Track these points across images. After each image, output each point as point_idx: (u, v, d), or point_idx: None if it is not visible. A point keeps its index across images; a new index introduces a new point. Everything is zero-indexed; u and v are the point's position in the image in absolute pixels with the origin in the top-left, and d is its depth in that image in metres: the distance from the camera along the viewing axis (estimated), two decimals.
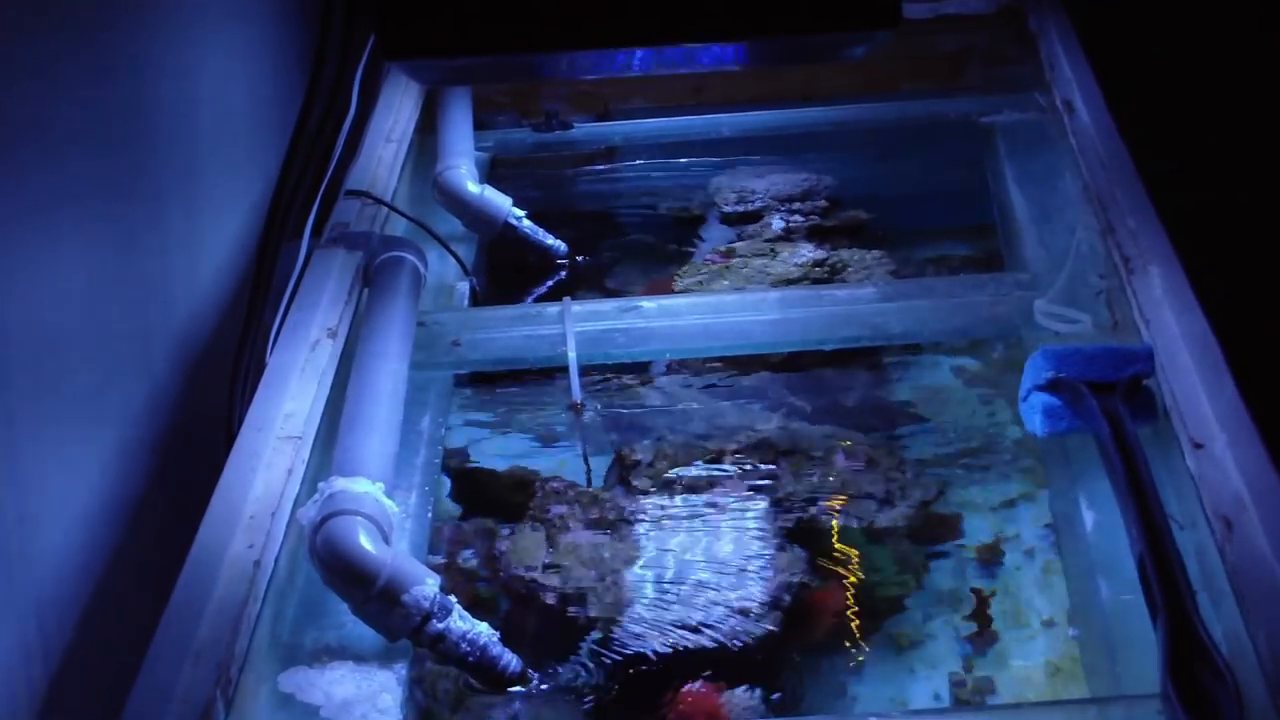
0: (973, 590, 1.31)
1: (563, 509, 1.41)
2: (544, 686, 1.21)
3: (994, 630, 1.26)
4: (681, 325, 1.58)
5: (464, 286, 1.75)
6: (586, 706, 1.21)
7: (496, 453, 1.54)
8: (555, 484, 1.46)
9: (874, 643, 1.27)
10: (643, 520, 1.40)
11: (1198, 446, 1.18)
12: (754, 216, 1.94)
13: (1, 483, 1.11)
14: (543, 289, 1.85)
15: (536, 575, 1.33)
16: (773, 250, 1.85)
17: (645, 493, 1.44)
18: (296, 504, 1.24)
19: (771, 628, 1.27)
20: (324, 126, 1.53)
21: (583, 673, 1.23)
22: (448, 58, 1.24)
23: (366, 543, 1.16)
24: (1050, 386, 1.30)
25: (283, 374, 1.37)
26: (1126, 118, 1.69)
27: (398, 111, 1.93)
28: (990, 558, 1.34)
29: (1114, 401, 1.26)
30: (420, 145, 1.96)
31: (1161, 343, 1.31)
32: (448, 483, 1.48)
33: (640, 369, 1.64)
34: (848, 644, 1.27)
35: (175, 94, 1.51)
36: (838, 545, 1.36)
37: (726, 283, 1.79)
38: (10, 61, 1.15)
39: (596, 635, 1.27)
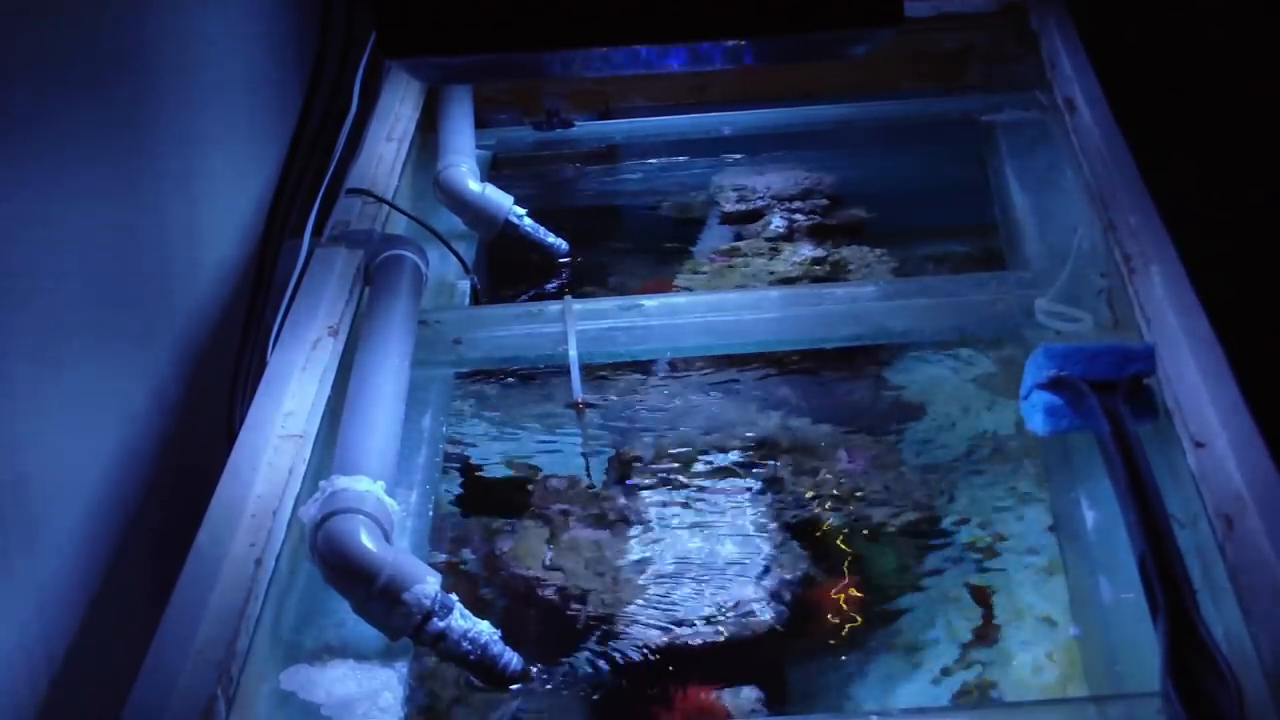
0: (973, 589, 1.31)
1: (563, 507, 1.41)
2: (545, 685, 1.21)
3: (994, 628, 1.26)
4: (682, 324, 1.58)
5: (465, 285, 1.75)
6: (587, 705, 1.21)
7: (497, 451, 1.54)
8: (556, 482, 1.46)
9: (874, 641, 1.27)
10: (643, 518, 1.40)
11: (1199, 445, 1.18)
12: (755, 215, 1.94)
13: (2, 481, 1.11)
14: (544, 288, 1.85)
15: (537, 573, 1.33)
16: (774, 249, 1.85)
17: (646, 490, 1.44)
18: (298, 502, 1.24)
19: (771, 626, 1.27)
20: (325, 125, 1.53)
21: (583, 671, 1.23)
22: (448, 56, 1.24)
23: (368, 541, 1.16)
24: (1051, 385, 1.30)
25: (284, 372, 1.37)
26: (1128, 116, 1.69)
27: (398, 110, 1.93)
28: (991, 556, 1.34)
29: (1115, 400, 1.26)
30: (421, 143, 1.96)
31: (1163, 341, 1.31)
32: (449, 481, 1.48)
33: (641, 367, 1.64)
34: (847, 642, 1.27)
35: (176, 92, 1.51)
36: (838, 544, 1.36)
37: (727, 281, 1.79)
38: (10, 57, 1.15)
39: (597, 633, 1.27)
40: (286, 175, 1.49)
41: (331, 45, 1.46)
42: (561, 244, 1.89)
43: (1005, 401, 1.50)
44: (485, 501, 1.46)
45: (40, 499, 1.16)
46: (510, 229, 1.86)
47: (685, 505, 1.42)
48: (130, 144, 1.39)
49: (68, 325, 1.24)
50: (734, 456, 1.48)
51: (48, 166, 1.21)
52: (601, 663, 1.24)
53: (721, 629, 1.26)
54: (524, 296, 1.82)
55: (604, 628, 1.27)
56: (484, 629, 1.19)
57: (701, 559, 1.34)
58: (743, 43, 1.27)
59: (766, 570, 1.32)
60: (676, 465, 1.47)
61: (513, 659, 1.20)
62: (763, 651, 1.24)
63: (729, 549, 1.35)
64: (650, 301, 1.61)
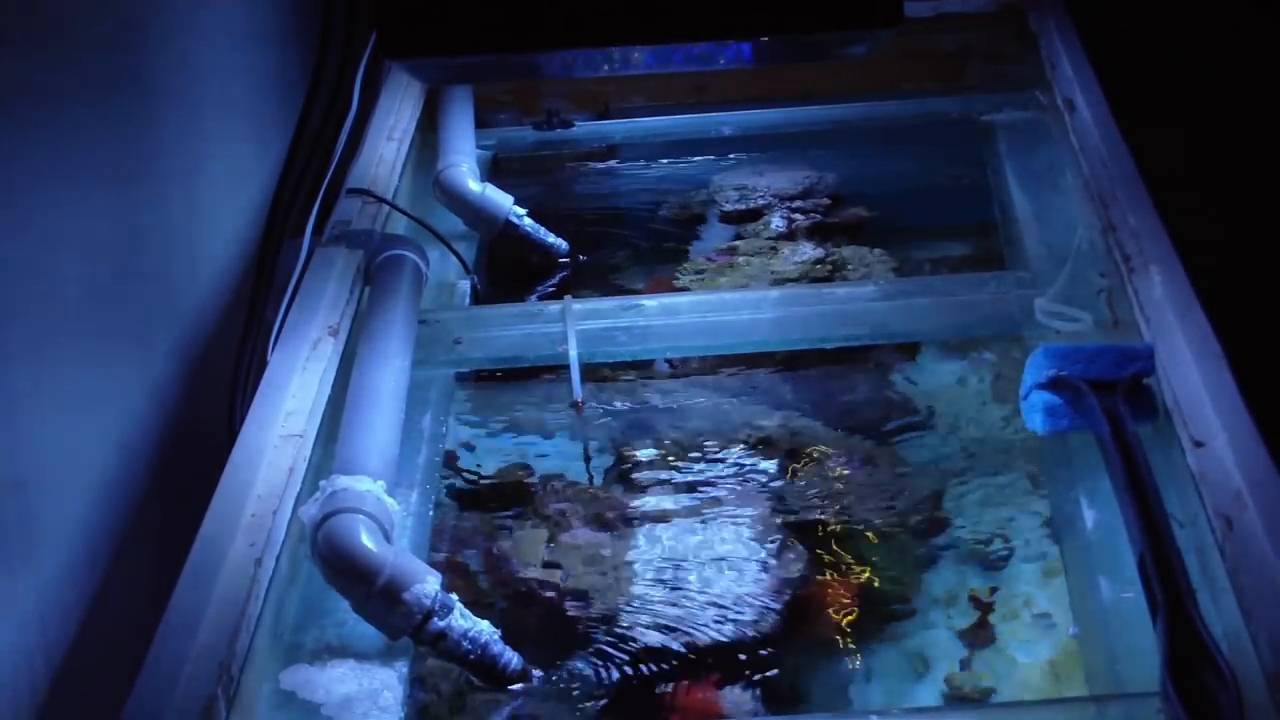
0: (972, 589, 1.31)
1: (563, 507, 1.41)
2: (544, 684, 1.21)
3: (994, 628, 1.26)
4: (682, 323, 1.58)
5: (465, 285, 1.75)
6: (587, 704, 1.21)
7: (497, 451, 1.54)
8: (556, 482, 1.46)
9: (874, 641, 1.27)
10: (643, 518, 1.40)
11: (1198, 445, 1.18)
12: (755, 215, 1.94)
13: (3, 481, 1.11)
14: (544, 287, 1.85)
15: (537, 573, 1.33)
16: (774, 248, 1.85)
17: (646, 490, 1.44)
18: (298, 502, 1.24)
19: (772, 626, 1.27)
20: (325, 125, 1.54)
21: (583, 670, 1.23)
22: (448, 56, 1.24)
23: (368, 541, 1.16)
24: (1051, 385, 1.30)
25: (284, 372, 1.37)
26: (1127, 116, 1.69)
27: (399, 110, 1.93)
28: (990, 556, 1.34)
29: (1115, 400, 1.26)
30: (421, 143, 1.96)
31: (1162, 341, 1.31)
32: (449, 480, 1.48)
33: (641, 367, 1.64)
34: (847, 642, 1.27)
35: (177, 93, 1.51)
36: (838, 543, 1.36)
37: (727, 281, 1.79)
38: (12, 59, 1.15)
39: (597, 633, 1.27)
40: (287, 175, 1.49)
41: (332, 45, 1.47)
42: (561, 244, 1.90)
43: (1005, 401, 1.51)
44: (485, 501, 1.46)
45: (40, 499, 1.17)
46: (510, 229, 1.86)
47: (684, 505, 1.42)
48: (131, 144, 1.39)
49: (68, 325, 1.24)
50: (734, 456, 1.48)
51: (49, 167, 1.21)
52: (601, 662, 1.24)
53: (721, 629, 1.26)
54: (524, 297, 1.83)
55: (604, 627, 1.27)
56: (484, 628, 1.19)
57: (701, 559, 1.34)
58: (743, 43, 1.27)
59: (766, 570, 1.32)
60: (676, 465, 1.47)
61: (513, 658, 1.20)
62: (762, 651, 1.24)
63: (729, 548, 1.35)
64: (650, 301, 1.61)
